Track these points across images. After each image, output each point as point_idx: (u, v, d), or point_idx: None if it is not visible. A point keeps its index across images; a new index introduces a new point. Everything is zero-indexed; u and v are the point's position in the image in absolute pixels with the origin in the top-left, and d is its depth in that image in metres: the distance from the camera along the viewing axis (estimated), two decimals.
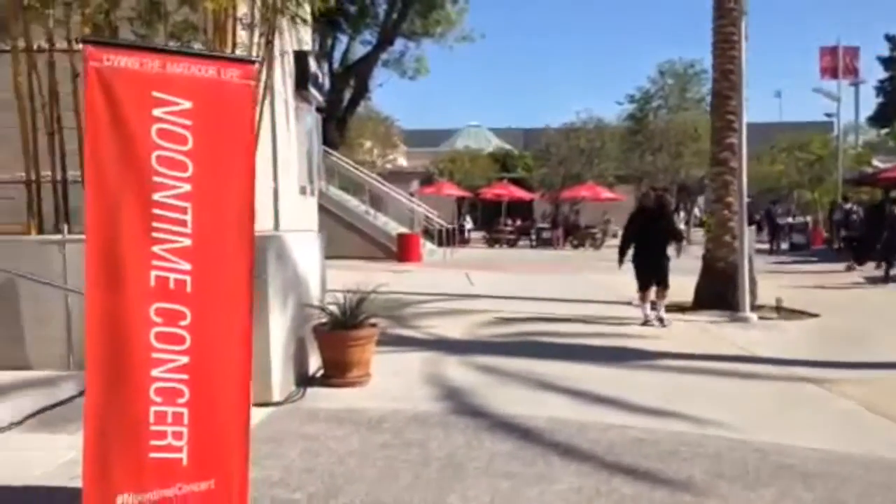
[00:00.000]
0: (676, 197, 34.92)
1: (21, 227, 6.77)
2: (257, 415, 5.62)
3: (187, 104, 3.19)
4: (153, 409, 3.23)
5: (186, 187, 3.20)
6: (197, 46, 6.76)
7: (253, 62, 3.41)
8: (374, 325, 6.89)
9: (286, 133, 13.64)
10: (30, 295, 5.91)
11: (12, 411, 4.95)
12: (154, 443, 3.25)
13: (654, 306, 10.34)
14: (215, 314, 3.31)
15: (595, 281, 16.28)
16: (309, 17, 12.06)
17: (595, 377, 7.18)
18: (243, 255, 3.37)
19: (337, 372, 6.62)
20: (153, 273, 3.17)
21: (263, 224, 11.29)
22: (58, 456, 3.66)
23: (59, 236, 6.05)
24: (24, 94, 6.64)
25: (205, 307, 3.27)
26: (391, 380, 6.88)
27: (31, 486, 3.68)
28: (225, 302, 3.33)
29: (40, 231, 6.61)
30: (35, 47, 6.90)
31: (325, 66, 27.25)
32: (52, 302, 5.90)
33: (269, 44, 7.49)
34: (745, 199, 11.62)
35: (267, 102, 11.89)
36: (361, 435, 5.29)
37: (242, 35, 7.36)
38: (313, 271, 7.17)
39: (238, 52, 7.25)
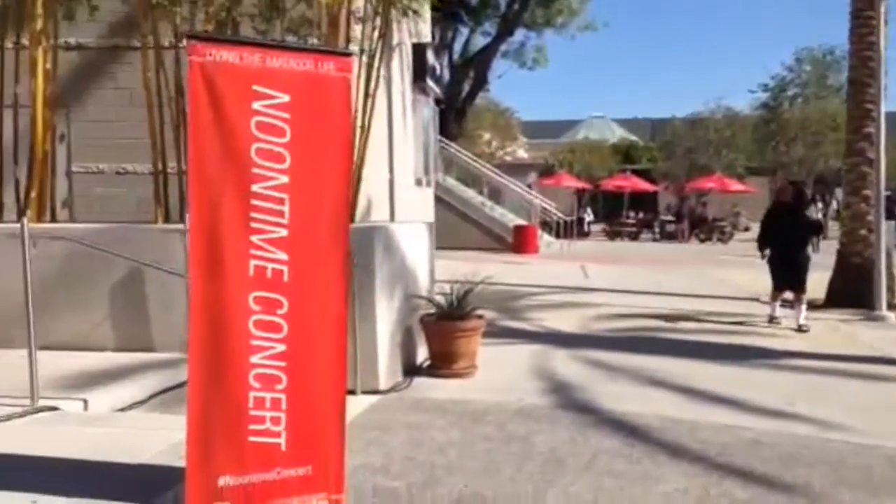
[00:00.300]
0: (812, 189, 33.15)
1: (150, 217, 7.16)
2: (363, 402, 5.74)
3: (285, 97, 3.25)
4: (252, 394, 3.31)
5: (284, 179, 3.26)
6: (312, 41, 6.94)
7: (349, 55, 3.43)
8: (480, 317, 6.88)
9: (402, 125, 13.80)
10: (156, 281, 6.21)
11: (135, 391, 5.24)
12: (253, 427, 3.33)
13: (788, 304, 9.81)
14: (311, 303, 3.36)
15: (720, 276, 15.67)
16: (425, 10, 12.14)
17: (712, 375, 6.90)
18: (339, 246, 3.41)
19: (443, 363, 6.65)
20: (252, 262, 3.25)
21: (379, 215, 11.50)
22: (171, 436, 3.82)
23: (180, 225, 6.34)
24: (153, 89, 7.00)
25: (301, 296, 3.33)
26: (497, 372, 6.84)
27: (145, 463, 3.87)
28: (321, 291, 3.38)
29: (166, 220, 6.95)
30: (166, 44, 7.25)
31: (445, 58, 27.42)
32: (175, 288, 6.18)
33: (382, 37, 7.59)
34: (884, 192, 10.94)
35: (383, 94, 12.11)
36: (464, 426, 5.28)
37: (357, 29, 7.49)
38: (421, 262, 7.22)
39: (352, 46, 7.40)
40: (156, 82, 6.98)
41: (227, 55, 3.18)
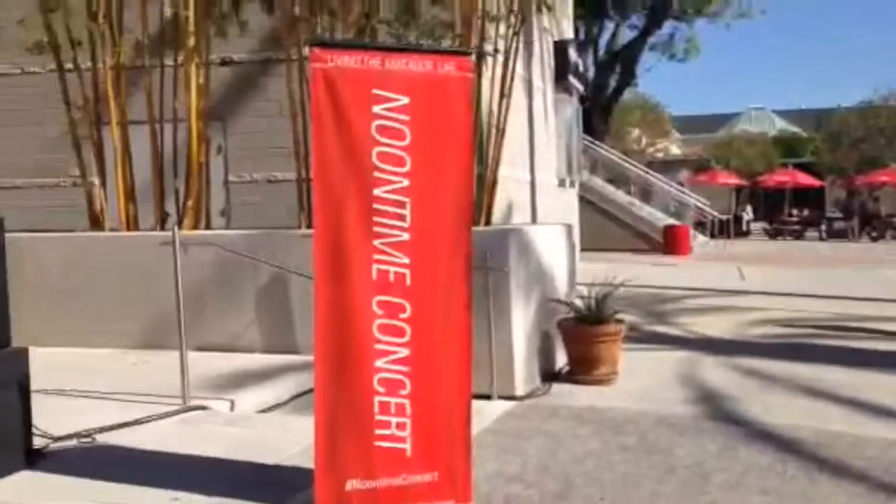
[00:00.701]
0: None
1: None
2: (498, 408, 5.66)
3: (405, 99, 3.23)
4: (377, 399, 3.31)
5: (405, 182, 3.24)
6: (447, 43, 6.95)
7: (470, 55, 3.37)
8: (621, 321, 6.63)
9: (543, 125, 13.64)
10: (299, 285, 6.39)
11: (278, 392, 5.40)
12: (379, 432, 3.33)
13: None
14: (434, 307, 3.33)
15: (894, 277, 14.46)
16: (566, 6, 11.96)
17: (880, 386, 6.32)
18: (462, 248, 3.35)
19: (582, 368, 6.46)
20: (375, 266, 3.24)
21: (520, 217, 11.41)
22: (307, 438, 3.87)
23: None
24: (296, 99, 7.24)
25: (424, 300, 3.30)
26: (640, 379, 6.58)
27: (280, 464, 3.96)
28: (444, 295, 3.33)
29: (309, 226, 7.16)
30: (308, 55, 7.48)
31: (590, 55, 26.98)
32: None
33: (517, 35, 7.49)
34: None
35: (523, 94, 12.01)
36: (603, 436, 5.09)
37: (492, 28, 7.44)
38: (559, 264, 7.06)
39: (487, 46, 7.36)
40: (299, 92, 7.21)
41: (348, 60, 3.20)
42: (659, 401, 5.95)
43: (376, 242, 3.24)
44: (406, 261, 3.27)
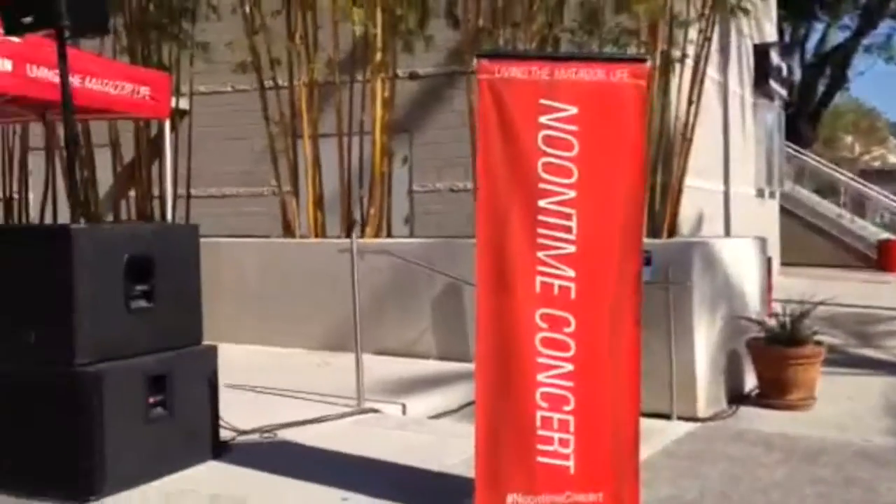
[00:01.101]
0: None
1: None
2: (678, 429, 5.41)
3: (573, 109, 3.15)
4: (539, 413, 3.24)
5: (571, 194, 3.16)
6: (631, 50, 6.75)
7: (644, 61, 3.23)
8: (819, 343, 6.13)
9: (740, 132, 12.93)
10: (473, 293, 6.44)
11: (448, 399, 5.45)
12: (541, 447, 3.26)
13: None
14: (601, 322, 3.21)
15: None
16: (770, 8, 11.24)
17: None
18: (630, 262, 3.22)
19: (773, 392, 6.04)
20: (538, 279, 3.18)
21: (712, 228, 10.88)
22: (473, 446, 3.88)
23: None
24: (476, 110, 7.30)
25: (590, 314, 3.19)
26: (840, 406, 6.07)
27: (445, 472, 3.98)
28: (610, 310, 3.21)
29: None
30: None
31: (796, 58, 25.32)
32: None
33: (708, 41, 7.14)
34: None
35: (717, 101, 11.45)
36: (793, 464, 4.72)
37: (680, 33, 7.15)
38: (750, 279, 6.64)
39: (675, 52, 7.08)
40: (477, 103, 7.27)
41: (515, 71, 3.18)
42: (860, 430, 5.47)
43: (540, 254, 3.18)
44: (571, 274, 3.18)
